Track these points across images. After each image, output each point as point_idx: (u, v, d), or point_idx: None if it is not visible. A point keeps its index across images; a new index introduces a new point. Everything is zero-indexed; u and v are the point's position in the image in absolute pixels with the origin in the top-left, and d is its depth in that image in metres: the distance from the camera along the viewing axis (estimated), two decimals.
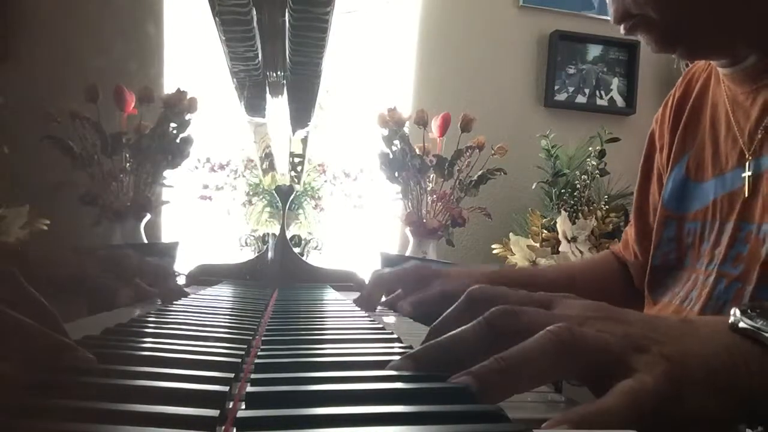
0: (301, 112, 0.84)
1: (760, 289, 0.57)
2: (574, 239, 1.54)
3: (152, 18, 1.75)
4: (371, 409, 0.26)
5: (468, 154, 1.51)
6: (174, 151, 1.44)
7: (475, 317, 0.34)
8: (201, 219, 1.64)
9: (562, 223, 1.55)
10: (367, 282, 0.84)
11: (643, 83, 2.08)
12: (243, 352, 0.38)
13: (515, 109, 2.02)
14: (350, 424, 0.24)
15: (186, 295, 0.76)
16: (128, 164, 1.43)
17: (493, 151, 1.53)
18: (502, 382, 0.30)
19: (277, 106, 0.80)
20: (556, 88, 2.04)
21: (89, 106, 1.41)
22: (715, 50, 0.64)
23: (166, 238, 1.71)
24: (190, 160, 1.50)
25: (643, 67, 2.07)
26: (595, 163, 1.66)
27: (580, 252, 1.52)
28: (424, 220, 1.50)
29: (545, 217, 1.64)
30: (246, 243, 1.49)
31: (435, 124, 1.52)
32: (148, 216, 1.44)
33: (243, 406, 0.27)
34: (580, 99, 2.07)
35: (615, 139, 1.71)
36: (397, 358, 0.35)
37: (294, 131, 0.93)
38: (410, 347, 0.41)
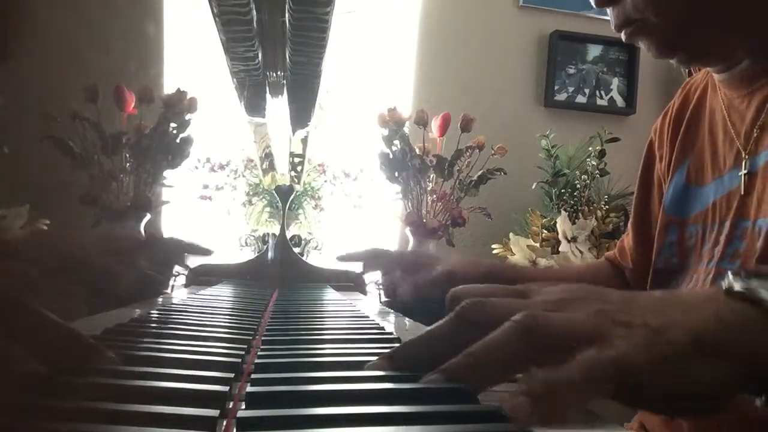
0: (301, 112, 0.84)
1: None
2: (574, 239, 1.54)
3: (152, 18, 1.75)
4: (371, 409, 0.26)
5: (468, 154, 1.51)
6: (174, 151, 1.44)
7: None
8: (201, 219, 1.64)
9: (562, 223, 1.55)
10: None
11: (643, 83, 2.08)
12: (243, 352, 0.38)
13: (515, 109, 2.02)
14: (350, 424, 0.24)
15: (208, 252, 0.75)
16: (128, 164, 1.43)
17: (493, 151, 1.53)
18: (472, 376, 0.30)
19: (277, 106, 0.80)
20: (556, 88, 2.04)
21: (89, 106, 1.41)
22: (713, 56, 0.65)
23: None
24: (190, 160, 1.50)
25: (643, 67, 2.07)
26: (595, 163, 1.66)
27: (580, 252, 1.52)
28: (424, 220, 1.50)
29: (545, 217, 1.64)
30: (246, 243, 1.49)
31: (435, 124, 1.52)
32: (148, 216, 1.44)
33: (243, 406, 0.27)
34: (580, 99, 2.07)
35: (615, 139, 1.71)
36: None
37: (294, 131, 0.93)
38: None
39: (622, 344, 0.29)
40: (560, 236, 1.55)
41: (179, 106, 1.44)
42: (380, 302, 0.85)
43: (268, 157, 1.05)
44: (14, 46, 1.68)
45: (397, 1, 1.96)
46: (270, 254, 1.08)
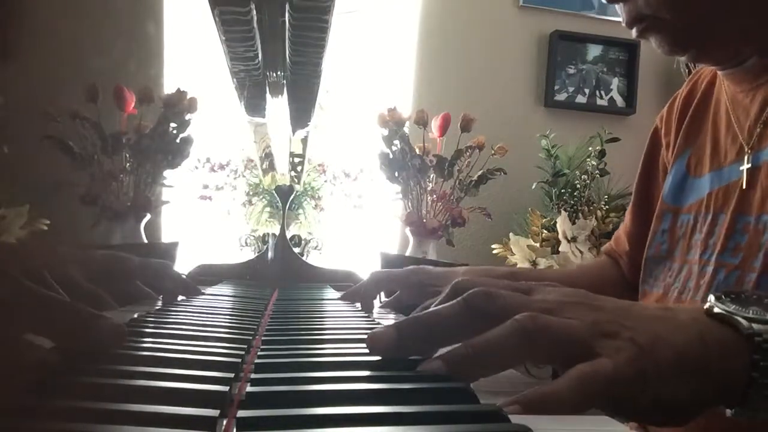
0: (301, 112, 0.84)
1: (765, 276, 0.58)
2: (574, 239, 1.54)
3: (152, 18, 1.75)
4: (371, 409, 0.26)
5: (468, 154, 1.51)
6: (174, 151, 1.44)
7: None
8: (201, 219, 1.64)
9: (562, 223, 1.55)
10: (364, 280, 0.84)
11: (643, 83, 2.08)
12: (243, 352, 0.38)
13: (515, 109, 2.02)
14: (350, 424, 0.24)
15: (198, 292, 0.75)
16: (128, 164, 1.43)
17: (493, 151, 1.53)
18: (470, 367, 0.32)
19: (277, 106, 0.80)
20: (556, 88, 2.04)
21: (89, 106, 1.41)
22: (724, 53, 0.65)
23: (166, 238, 1.71)
24: (190, 160, 1.50)
25: (643, 67, 2.07)
26: (595, 163, 1.66)
27: (580, 252, 1.52)
28: (424, 220, 1.50)
29: (545, 217, 1.64)
30: (246, 243, 1.49)
31: (435, 124, 1.52)
32: (148, 216, 1.44)
33: (243, 406, 0.27)
34: (580, 99, 2.07)
35: (615, 139, 1.71)
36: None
37: (294, 131, 0.93)
38: None
39: (612, 360, 0.30)
40: (560, 236, 1.55)
41: (179, 106, 1.44)
42: (380, 302, 0.85)
43: (268, 157, 1.05)
44: (14, 46, 1.68)
45: (397, 1, 1.96)
46: (270, 254, 1.08)
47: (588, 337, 0.32)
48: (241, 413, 0.25)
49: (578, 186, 1.66)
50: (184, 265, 1.22)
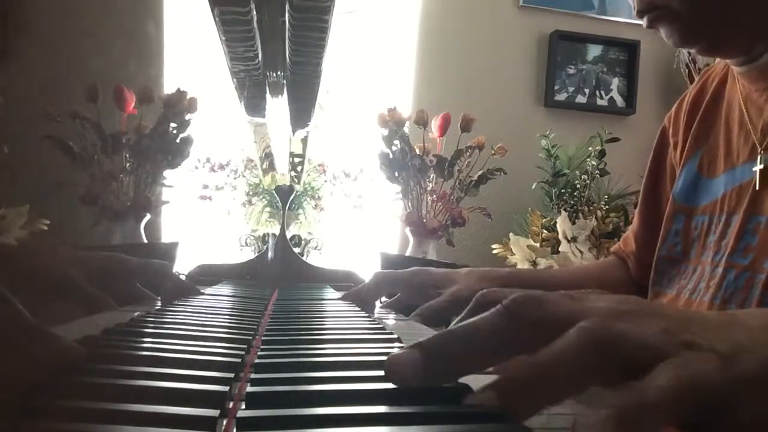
0: (301, 112, 0.84)
1: None
2: (574, 239, 1.54)
3: (152, 18, 1.75)
4: (371, 409, 0.26)
5: (468, 154, 1.51)
6: (174, 151, 1.44)
7: None
8: (201, 219, 1.64)
9: (562, 223, 1.55)
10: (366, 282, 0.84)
11: (643, 83, 2.08)
12: (243, 352, 0.38)
13: (515, 109, 2.02)
14: (350, 424, 0.24)
15: (197, 292, 0.76)
16: (128, 164, 1.43)
17: (493, 151, 1.53)
18: (535, 394, 0.26)
19: (277, 106, 0.80)
20: (556, 88, 2.04)
21: (89, 106, 1.41)
22: (734, 47, 0.64)
23: (166, 238, 1.71)
24: (190, 160, 1.50)
25: (643, 67, 2.07)
26: (595, 163, 1.66)
27: (580, 252, 1.52)
28: (424, 220, 1.50)
29: (545, 217, 1.64)
30: (246, 243, 1.49)
31: (435, 124, 1.52)
32: (148, 216, 1.44)
33: (243, 406, 0.27)
34: (580, 99, 2.06)
35: (615, 139, 1.71)
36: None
37: (294, 131, 0.93)
38: None
39: (697, 366, 0.25)
40: (560, 236, 1.55)
41: (179, 106, 1.44)
42: (380, 302, 0.85)
43: (268, 157, 1.05)
44: (14, 46, 1.68)
45: (397, 1, 1.96)
46: (270, 254, 1.08)
47: (667, 347, 0.26)
48: (241, 413, 0.25)
49: (578, 186, 1.66)
50: (184, 265, 1.22)
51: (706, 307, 0.63)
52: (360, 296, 0.77)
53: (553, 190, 1.74)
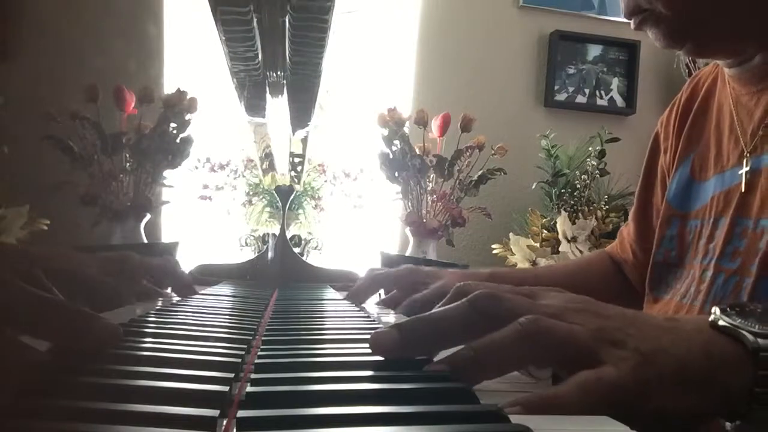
0: (301, 112, 0.84)
1: (761, 281, 0.58)
2: (574, 239, 1.54)
3: (152, 18, 1.75)
4: (371, 409, 0.26)
5: (468, 154, 1.51)
6: (174, 151, 1.44)
7: None
8: (201, 219, 1.64)
9: (562, 223, 1.55)
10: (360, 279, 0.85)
11: (643, 83, 2.08)
12: (243, 352, 0.38)
13: (515, 109, 2.02)
14: (350, 424, 0.24)
15: (195, 292, 0.76)
16: (128, 164, 1.43)
17: (493, 151, 1.53)
18: (473, 369, 0.32)
19: (277, 106, 0.80)
20: (556, 88, 2.04)
21: (89, 106, 1.41)
22: (722, 48, 0.64)
23: (166, 238, 1.71)
24: (190, 160, 1.50)
25: (643, 67, 2.07)
26: (595, 163, 1.66)
27: (580, 252, 1.52)
28: (424, 220, 1.50)
29: (545, 217, 1.64)
30: (246, 243, 1.49)
31: (435, 124, 1.52)
32: (148, 216, 1.44)
33: (243, 406, 0.27)
34: (580, 99, 2.07)
35: (615, 139, 1.71)
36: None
37: (294, 131, 0.93)
38: None
39: (615, 368, 0.30)
40: (560, 236, 1.55)
41: (179, 106, 1.44)
42: (378, 296, 0.85)
43: (268, 157, 1.05)
44: (14, 46, 1.68)
45: (397, 1, 1.96)
46: (270, 254, 1.08)
47: (592, 344, 0.32)
48: (241, 413, 0.25)
49: (578, 186, 1.66)
50: (184, 265, 1.22)
51: (697, 311, 0.63)
52: (353, 293, 0.79)
53: (553, 190, 1.74)
